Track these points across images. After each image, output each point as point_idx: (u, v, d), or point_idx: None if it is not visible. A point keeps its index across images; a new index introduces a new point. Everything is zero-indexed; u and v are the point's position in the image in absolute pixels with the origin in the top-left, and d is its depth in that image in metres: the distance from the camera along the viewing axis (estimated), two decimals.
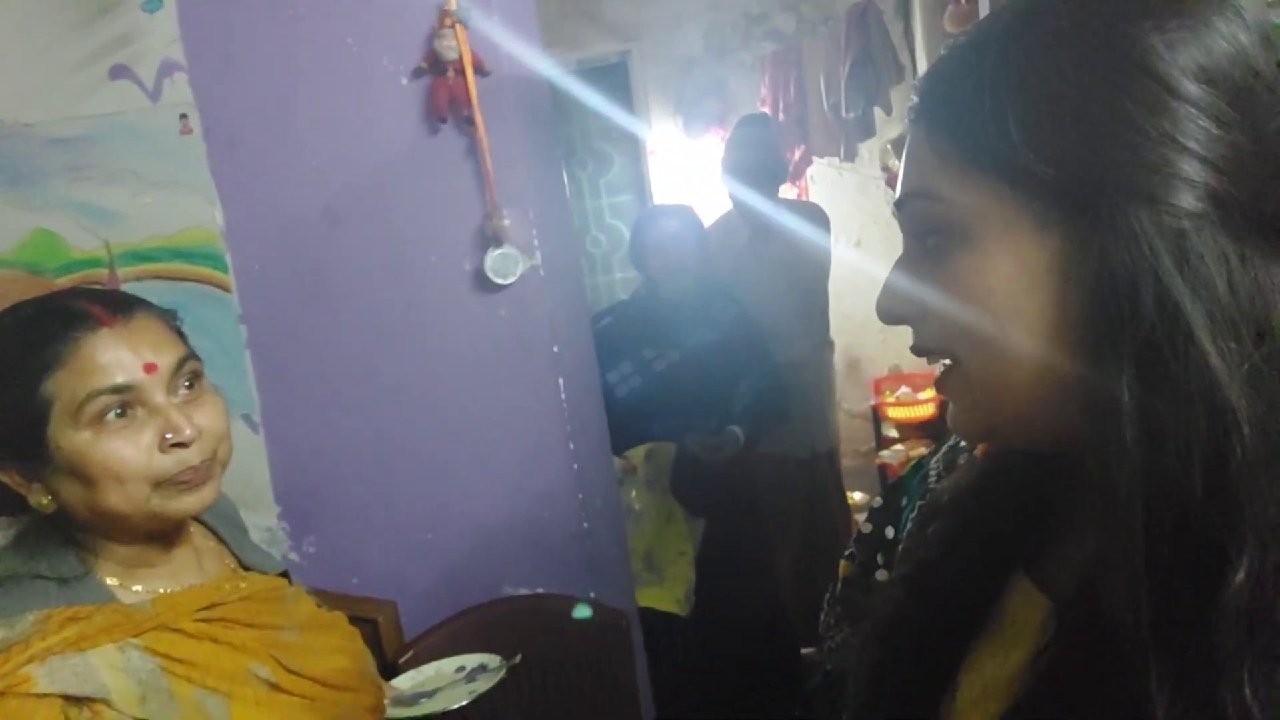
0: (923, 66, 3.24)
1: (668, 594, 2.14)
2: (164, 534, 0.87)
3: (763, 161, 2.61)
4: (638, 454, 2.17)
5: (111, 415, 0.79)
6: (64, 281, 1.63)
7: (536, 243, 1.63)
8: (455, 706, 1.13)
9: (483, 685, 1.17)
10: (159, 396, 0.82)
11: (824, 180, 3.91)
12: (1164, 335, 0.42)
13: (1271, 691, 0.40)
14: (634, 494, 2.15)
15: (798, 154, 3.68)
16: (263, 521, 1.68)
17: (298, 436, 1.69)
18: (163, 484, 0.81)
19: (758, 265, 2.60)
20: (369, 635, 1.27)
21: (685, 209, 2.41)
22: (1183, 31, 0.43)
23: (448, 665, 1.27)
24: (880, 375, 3.99)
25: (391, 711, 1.09)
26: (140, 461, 0.80)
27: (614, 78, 3.96)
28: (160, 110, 1.60)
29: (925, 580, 0.60)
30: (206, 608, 0.86)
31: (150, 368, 0.81)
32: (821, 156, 3.70)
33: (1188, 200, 0.42)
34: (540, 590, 1.72)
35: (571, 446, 1.69)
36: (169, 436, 0.81)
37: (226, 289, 1.65)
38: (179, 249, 1.64)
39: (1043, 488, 0.55)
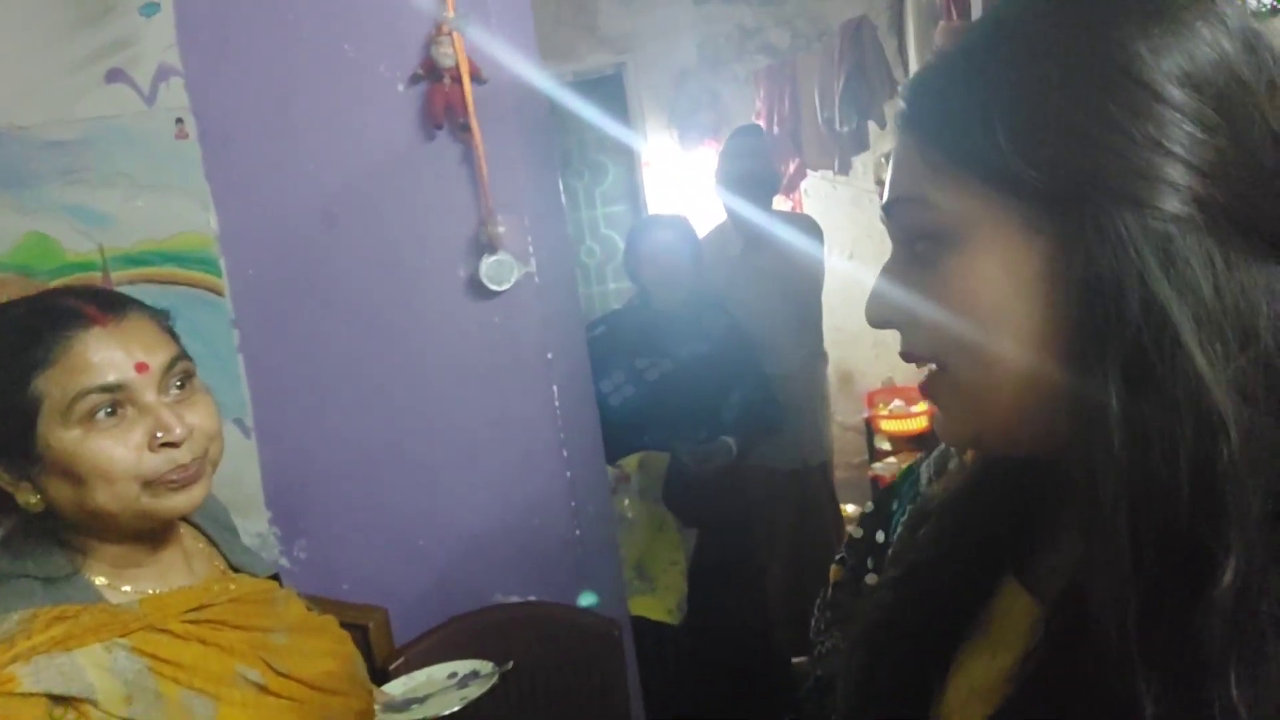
0: None
1: (659, 603, 2.14)
2: (153, 534, 0.87)
3: (756, 171, 2.62)
4: (630, 463, 2.17)
5: (102, 414, 0.79)
6: (57, 285, 1.62)
7: (531, 249, 1.63)
8: (447, 712, 1.13)
9: (474, 691, 1.17)
10: (150, 396, 0.81)
11: (818, 194, 3.93)
12: (1150, 338, 0.42)
13: (1258, 692, 0.40)
14: (626, 503, 2.15)
15: (792, 167, 3.69)
16: (253, 526, 1.67)
17: (290, 441, 1.68)
18: (152, 483, 0.81)
19: (751, 276, 2.61)
20: (359, 641, 1.27)
21: (679, 220, 2.42)
22: (1167, 37, 0.43)
23: (439, 671, 1.27)
24: (873, 388, 4.00)
25: (382, 716, 1.09)
26: (130, 460, 0.79)
27: (609, 89, 3.98)
28: (155, 114, 1.60)
29: (914, 583, 0.60)
30: (195, 609, 0.85)
31: (142, 367, 0.81)
32: (815, 170, 3.72)
33: (1173, 204, 0.43)
34: (532, 598, 1.71)
35: (565, 454, 1.69)
36: (159, 436, 0.81)
37: (220, 293, 1.65)
38: (172, 253, 1.64)
39: (1032, 491, 0.56)
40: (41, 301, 0.83)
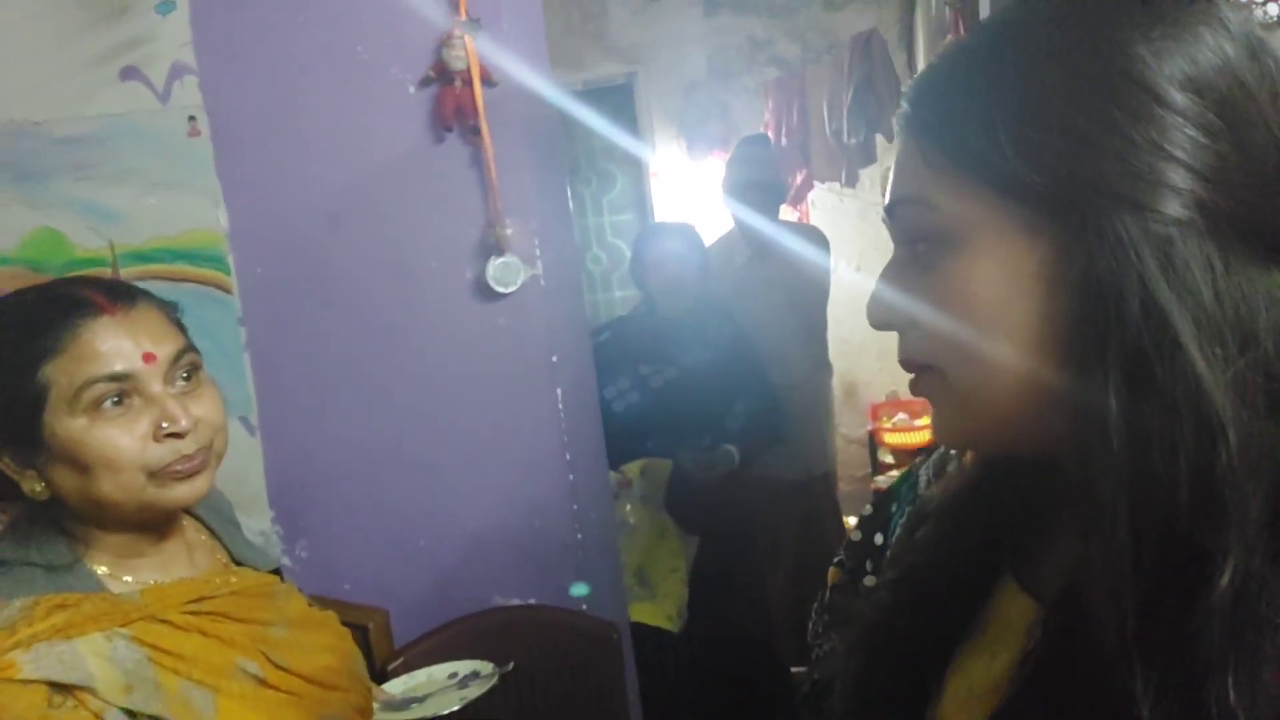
0: None
1: (659, 610, 2.14)
2: (156, 524, 0.87)
3: (762, 179, 2.63)
4: (633, 469, 2.17)
5: (108, 403, 0.80)
6: None
7: (538, 252, 1.64)
8: (446, 712, 1.13)
9: (474, 691, 1.17)
10: (156, 386, 0.82)
11: (825, 205, 3.94)
12: (1150, 341, 0.42)
13: (1256, 694, 0.40)
14: (628, 508, 2.15)
15: (799, 179, 3.70)
16: (256, 525, 1.67)
17: (294, 440, 1.69)
18: (157, 473, 0.81)
19: (757, 285, 2.62)
20: (359, 642, 1.27)
21: (687, 228, 2.42)
22: (1169, 41, 0.44)
23: (440, 671, 1.27)
24: (878, 401, 3.99)
25: (381, 715, 1.09)
26: (135, 450, 0.80)
27: (619, 99, 4.00)
28: (168, 112, 1.62)
29: (913, 584, 0.60)
30: (195, 600, 0.86)
31: (149, 357, 0.81)
32: (823, 182, 3.72)
33: (1174, 208, 0.43)
34: (532, 601, 1.71)
35: (567, 457, 1.69)
36: (164, 426, 0.81)
37: (228, 291, 1.65)
38: (183, 250, 1.65)
39: (1030, 493, 0.56)
40: (51, 290, 0.84)
